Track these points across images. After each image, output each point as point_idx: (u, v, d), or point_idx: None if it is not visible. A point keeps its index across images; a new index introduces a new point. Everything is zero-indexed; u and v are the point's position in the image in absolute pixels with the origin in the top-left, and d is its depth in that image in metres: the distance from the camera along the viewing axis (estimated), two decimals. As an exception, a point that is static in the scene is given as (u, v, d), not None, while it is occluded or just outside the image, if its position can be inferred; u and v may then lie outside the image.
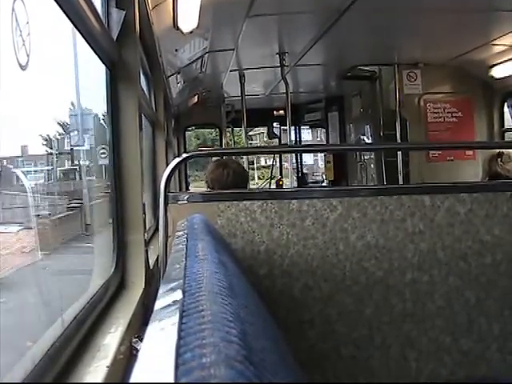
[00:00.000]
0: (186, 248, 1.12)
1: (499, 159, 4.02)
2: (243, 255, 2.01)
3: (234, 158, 3.86)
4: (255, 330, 0.77)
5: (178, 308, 0.65)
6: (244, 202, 2.04)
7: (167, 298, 0.71)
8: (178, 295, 0.71)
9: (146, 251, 2.17)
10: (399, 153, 6.13)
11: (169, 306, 0.68)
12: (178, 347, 0.53)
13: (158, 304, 0.70)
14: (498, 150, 4.01)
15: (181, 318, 0.61)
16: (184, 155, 2.09)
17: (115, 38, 2.10)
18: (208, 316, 0.61)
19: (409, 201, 2.10)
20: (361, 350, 2.08)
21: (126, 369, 1.48)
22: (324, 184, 8.95)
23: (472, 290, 2.12)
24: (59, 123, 2.36)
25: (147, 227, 2.86)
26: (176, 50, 4.34)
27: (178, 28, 3.66)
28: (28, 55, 1.37)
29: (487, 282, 2.13)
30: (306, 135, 10.07)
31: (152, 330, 0.61)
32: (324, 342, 2.06)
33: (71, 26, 1.65)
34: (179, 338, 0.55)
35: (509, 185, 2.41)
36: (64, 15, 1.57)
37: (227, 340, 0.55)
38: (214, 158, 3.56)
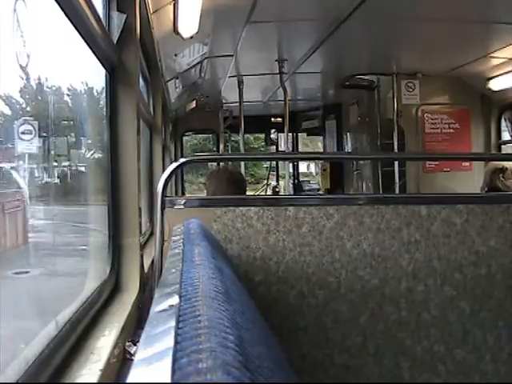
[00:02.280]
0: (183, 253, 1.12)
1: (501, 174, 4.02)
2: (239, 261, 2.01)
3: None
4: (251, 336, 0.77)
5: (174, 313, 0.65)
6: (240, 207, 2.04)
7: (163, 302, 0.71)
8: (174, 300, 0.70)
9: (141, 255, 2.17)
10: (396, 163, 6.14)
11: (165, 310, 0.68)
12: (175, 352, 0.52)
13: (154, 308, 0.70)
14: (501, 165, 4.01)
15: (177, 322, 0.61)
16: (181, 160, 2.09)
17: (115, 41, 2.10)
18: (204, 321, 0.61)
19: (405, 210, 2.10)
20: (355, 358, 2.07)
21: (119, 372, 1.47)
22: (320, 192, 8.95)
23: (467, 300, 2.13)
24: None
25: (142, 231, 2.85)
26: (175, 55, 4.35)
27: (177, 33, 3.67)
28: (28, 56, 1.37)
29: (482, 292, 2.13)
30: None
31: (148, 334, 0.60)
32: (318, 349, 2.06)
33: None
34: (176, 342, 0.55)
35: (505, 197, 2.41)
36: (65, 16, 1.58)
37: (224, 346, 0.55)
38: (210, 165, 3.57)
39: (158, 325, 0.62)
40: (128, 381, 0.48)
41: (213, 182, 3.33)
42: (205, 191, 3.45)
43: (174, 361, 0.50)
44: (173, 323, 0.60)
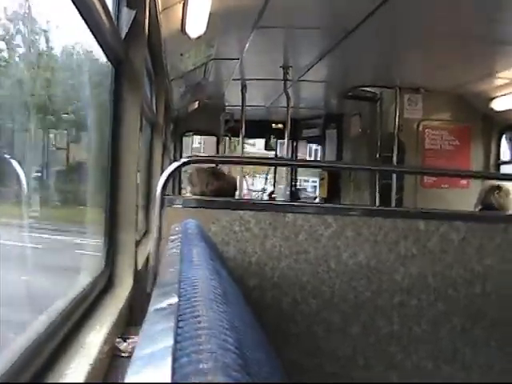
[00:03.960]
0: (181, 252, 1.11)
1: (497, 192, 4.02)
2: (234, 264, 2.00)
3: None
4: (248, 339, 0.77)
5: (173, 312, 0.64)
6: (239, 211, 2.04)
7: (162, 300, 0.70)
8: (173, 299, 0.70)
9: (136, 252, 2.16)
10: (394, 176, 6.14)
11: (164, 309, 0.67)
12: (175, 351, 0.52)
13: (153, 306, 0.69)
14: (497, 183, 4.02)
15: (177, 322, 0.60)
16: (183, 160, 2.08)
17: (123, 36, 2.10)
18: (204, 322, 0.60)
19: (403, 224, 2.10)
20: (344, 368, 2.07)
21: (108, 368, 1.46)
22: (317, 201, 8.95)
23: (459, 317, 2.12)
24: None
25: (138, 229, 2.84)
26: (181, 55, 4.35)
27: (185, 33, 3.67)
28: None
29: (475, 311, 2.13)
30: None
31: (147, 332, 0.60)
32: (308, 357, 2.05)
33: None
34: (175, 342, 0.54)
35: (504, 217, 2.42)
36: (75, 9, 1.57)
37: (224, 348, 0.54)
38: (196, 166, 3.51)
39: (156, 323, 0.61)
40: (127, 377, 0.48)
41: (202, 178, 3.30)
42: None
43: (174, 360, 0.50)
44: (172, 322, 0.60)
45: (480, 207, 4.18)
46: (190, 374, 0.47)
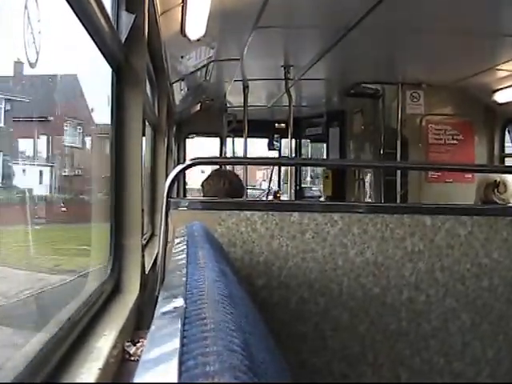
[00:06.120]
0: (187, 255, 1.11)
1: (496, 188, 4.00)
2: (241, 265, 2.00)
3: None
4: (255, 340, 0.77)
5: (179, 315, 0.64)
6: (245, 212, 2.04)
7: (168, 304, 0.70)
8: (179, 302, 0.70)
9: (143, 256, 2.16)
10: (398, 172, 6.13)
11: (170, 312, 0.67)
12: (181, 354, 0.52)
13: (159, 309, 0.70)
14: (492, 179, 4.00)
15: (183, 324, 0.60)
16: (188, 162, 2.08)
17: (123, 40, 2.10)
18: (211, 324, 0.61)
19: (409, 220, 2.09)
20: (353, 366, 2.07)
21: (117, 372, 1.47)
22: (322, 199, 8.94)
23: (468, 312, 2.12)
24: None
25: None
26: (182, 57, 4.35)
27: (185, 35, 3.67)
28: (37, 53, 1.36)
29: (483, 305, 2.13)
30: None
31: (154, 335, 0.60)
32: (316, 356, 2.05)
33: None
34: (182, 344, 0.54)
35: (509, 210, 2.41)
36: (74, 14, 1.57)
37: (230, 349, 0.54)
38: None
39: (163, 326, 0.62)
40: (135, 380, 0.48)
41: (213, 184, 3.32)
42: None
43: (181, 363, 0.50)
44: (178, 325, 0.60)
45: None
46: (196, 376, 0.47)
